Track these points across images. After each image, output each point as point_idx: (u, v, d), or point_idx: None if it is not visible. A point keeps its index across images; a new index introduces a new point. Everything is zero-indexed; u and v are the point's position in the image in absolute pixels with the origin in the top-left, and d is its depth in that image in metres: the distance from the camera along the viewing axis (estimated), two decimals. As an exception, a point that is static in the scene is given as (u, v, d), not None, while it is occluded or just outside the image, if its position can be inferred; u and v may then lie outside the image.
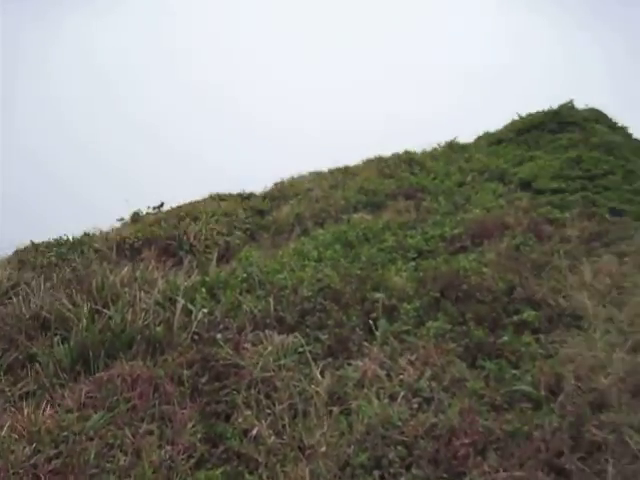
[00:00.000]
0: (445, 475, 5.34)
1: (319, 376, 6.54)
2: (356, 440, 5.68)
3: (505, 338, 6.98)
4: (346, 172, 15.97)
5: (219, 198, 14.59)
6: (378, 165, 15.74)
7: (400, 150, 16.64)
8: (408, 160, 15.67)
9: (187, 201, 14.07)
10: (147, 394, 6.34)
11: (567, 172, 12.26)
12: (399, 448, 5.56)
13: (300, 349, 7.02)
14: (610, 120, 16.39)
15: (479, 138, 17.62)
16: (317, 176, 16.21)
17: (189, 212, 12.80)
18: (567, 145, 13.79)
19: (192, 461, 5.67)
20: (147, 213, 13.59)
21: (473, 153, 15.71)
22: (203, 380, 6.63)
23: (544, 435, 5.53)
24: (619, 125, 16.35)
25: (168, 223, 12.09)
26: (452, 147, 17.09)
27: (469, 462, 5.37)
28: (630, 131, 16.26)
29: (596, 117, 16.06)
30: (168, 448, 5.72)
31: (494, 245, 9.28)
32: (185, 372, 6.64)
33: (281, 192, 14.99)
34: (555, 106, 16.43)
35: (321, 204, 13.20)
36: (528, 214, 10.39)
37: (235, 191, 15.14)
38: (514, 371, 6.46)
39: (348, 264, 9.03)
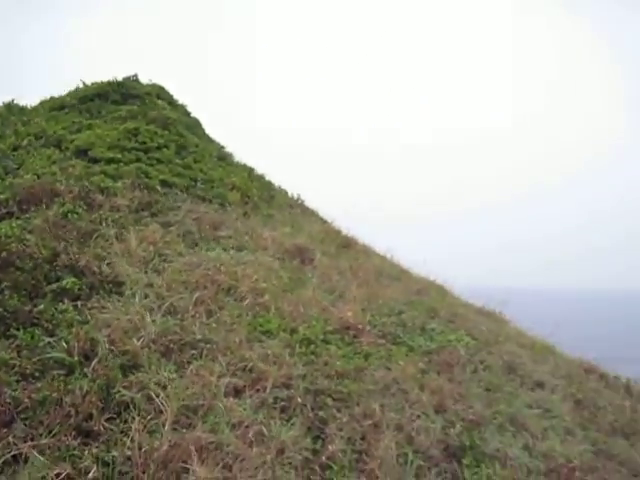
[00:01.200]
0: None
1: None
2: None
3: (42, 306, 6.84)
4: None
5: None
6: None
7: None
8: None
9: None
10: None
11: (124, 143, 12.35)
12: None
13: None
14: (171, 97, 16.95)
15: (42, 102, 16.81)
16: None
17: None
18: (127, 116, 13.86)
19: None
20: None
21: (33, 117, 14.92)
22: None
23: (74, 400, 5.59)
24: (179, 103, 17.06)
25: None
26: (10, 109, 15.96)
27: (-7, 435, 5.19)
28: (189, 109, 17.15)
29: (158, 92, 16.44)
30: None
31: (42, 212, 8.96)
32: None
33: None
34: (120, 78, 16.43)
35: None
36: (80, 182, 10.22)
37: None
38: (49, 339, 6.37)
39: None
